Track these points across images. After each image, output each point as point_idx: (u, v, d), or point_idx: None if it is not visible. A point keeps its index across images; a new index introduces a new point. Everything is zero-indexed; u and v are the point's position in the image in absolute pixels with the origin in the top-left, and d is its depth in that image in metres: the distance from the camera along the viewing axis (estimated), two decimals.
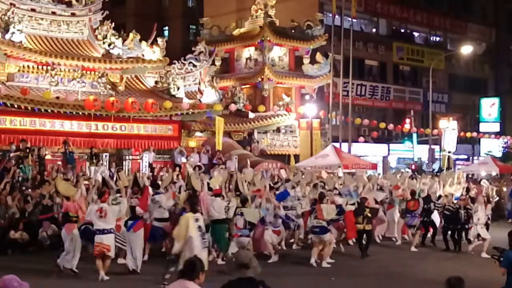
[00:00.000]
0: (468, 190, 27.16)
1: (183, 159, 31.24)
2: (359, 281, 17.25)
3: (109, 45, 33.26)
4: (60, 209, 19.64)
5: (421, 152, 52.77)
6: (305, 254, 19.61)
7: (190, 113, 33.37)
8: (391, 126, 44.92)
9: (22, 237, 20.40)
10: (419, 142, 53.24)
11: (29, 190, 22.64)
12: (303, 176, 26.97)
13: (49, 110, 29.28)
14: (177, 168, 28.69)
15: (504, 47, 71.79)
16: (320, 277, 17.26)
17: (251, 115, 39.54)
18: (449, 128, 47.12)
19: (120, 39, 33.93)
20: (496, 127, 64.09)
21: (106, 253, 15.93)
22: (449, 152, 45.83)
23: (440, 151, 48.32)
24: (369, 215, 20.92)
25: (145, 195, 18.17)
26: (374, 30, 60.91)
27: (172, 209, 19.17)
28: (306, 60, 44.52)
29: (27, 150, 26.32)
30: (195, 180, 19.63)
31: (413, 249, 22.22)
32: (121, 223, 17.22)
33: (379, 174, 35.80)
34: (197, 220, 14.45)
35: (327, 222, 18.88)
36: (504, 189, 35.24)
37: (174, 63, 36.37)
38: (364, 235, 20.95)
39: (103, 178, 21.02)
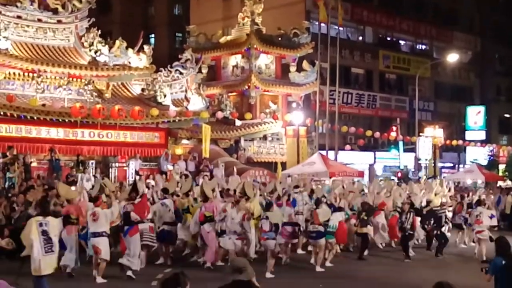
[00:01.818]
0: (462, 197, 27.35)
1: (170, 167, 31.22)
2: (350, 284, 17.55)
3: (96, 52, 33.18)
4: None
5: (407, 160, 52.87)
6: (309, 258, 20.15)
7: (176, 120, 33.33)
8: (377, 134, 44.99)
9: (8, 244, 20.22)
10: (405, 150, 53.31)
11: (15, 197, 22.51)
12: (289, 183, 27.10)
13: (35, 117, 29.19)
14: (164, 176, 28.71)
15: (490, 55, 72.20)
16: (313, 280, 17.56)
17: (238, 122, 39.56)
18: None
19: (107, 46, 33.86)
20: (481, 135, 64.34)
21: (98, 255, 16.40)
22: (426, 160, 45.94)
23: (419, 160, 48.53)
24: (365, 218, 21.50)
25: (143, 201, 18.35)
26: (360, 38, 61.09)
27: None
28: (292, 68, 44.64)
29: (13, 157, 26.21)
30: (207, 188, 20.25)
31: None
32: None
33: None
34: (41, 224, 13.94)
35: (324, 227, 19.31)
36: (492, 197, 35.28)
37: (161, 71, 36.31)
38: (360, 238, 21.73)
39: (134, 182, 21.36)
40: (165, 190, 20.83)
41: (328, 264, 19.68)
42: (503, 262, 9.87)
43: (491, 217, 23.06)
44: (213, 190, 20.77)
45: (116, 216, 17.38)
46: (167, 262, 19.24)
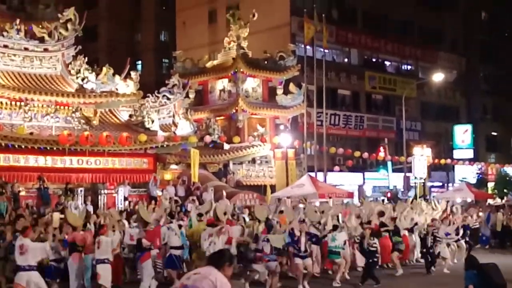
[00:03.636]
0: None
1: (159, 192, 31.17)
2: None
3: (83, 79, 33.23)
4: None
5: (396, 180, 52.99)
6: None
7: (165, 145, 33.32)
8: (365, 155, 45.12)
9: None
10: (394, 170, 53.47)
11: (4, 227, 22.37)
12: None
13: (23, 146, 29.10)
14: (153, 201, 28.67)
15: (475, 75, 72.64)
16: None
17: (226, 146, 39.59)
18: (417, 155, 47.41)
19: (94, 73, 33.92)
20: (469, 154, 64.59)
21: (98, 281, 16.95)
22: (420, 178, 46.06)
23: (414, 179, 48.59)
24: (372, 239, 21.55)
25: (156, 229, 18.91)
26: (346, 60, 61.33)
27: None
28: (279, 91, 44.83)
29: (1, 187, 26.14)
30: (220, 211, 20.80)
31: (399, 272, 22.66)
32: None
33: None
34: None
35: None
36: (481, 214, 35.41)
37: (148, 96, 36.38)
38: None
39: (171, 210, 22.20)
40: (171, 215, 21.49)
41: (335, 284, 20.06)
42: (474, 272, 11.89)
43: (446, 234, 24.13)
44: (225, 213, 21.32)
45: (116, 245, 17.92)
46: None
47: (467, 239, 27.20)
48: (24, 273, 15.32)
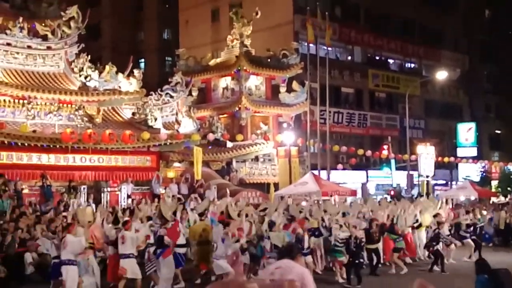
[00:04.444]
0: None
1: (162, 190, 31.15)
2: None
3: (86, 77, 33.24)
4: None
5: (399, 178, 52.88)
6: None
7: (168, 143, 33.34)
8: (369, 153, 45.09)
9: (0, 272, 20.14)
10: (397, 168, 53.38)
11: (6, 224, 22.41)
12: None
13: (26, 144, 29.12)
14: (156, 199, 28.64)
15: (478, 73, 72.51)
16: None
17: (229, 144, 39.57)
18: (423, 153, 47.34)
19: (97, 71, 33.93)
20: (473, 152, 64.47)
21: (124, 275, 17.09)
22: (427, 176, 45.99)
23: (418, 177, 48.55)
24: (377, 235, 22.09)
25: (175, 226, 19.17)
26: (349, 58, 61.26)
27: None
28: (282, 89, 44.74)
29: (4, 184, 26.14)
30: (232, 210, 20.98)
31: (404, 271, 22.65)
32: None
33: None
34: None
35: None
36: (484, 212, 35.36)
37: (151, 94, 36.31)
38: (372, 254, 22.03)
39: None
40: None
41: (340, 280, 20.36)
42: (486, 276, 11.43)
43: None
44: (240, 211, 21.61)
45: (141, 241, 18.07)
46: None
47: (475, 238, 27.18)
48: (64, 267, 16.29)
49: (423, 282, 6.64)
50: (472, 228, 27.29)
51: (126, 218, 19.31)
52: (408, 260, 24.78)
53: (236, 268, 18.37)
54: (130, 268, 17.14)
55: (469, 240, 26.55)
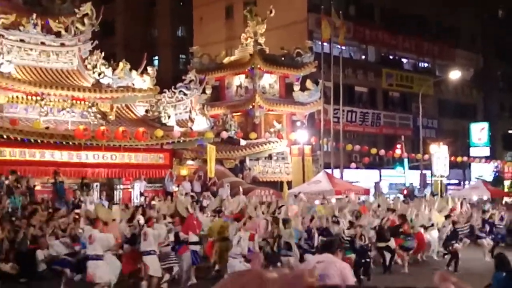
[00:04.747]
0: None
1: (175, 188, 31.08)
2: None
3: (99, 74, 33.20)
4: None
5: (412, 177, 52.63)
6: None
7: (181, 141, 33.29)
8: (382, 152, 44.89)
9: (12, 269, 20.10)
10: (410, 168, 53.15)
11: (19, 221, 22.38)
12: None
13: (39, 141, 29.14)
14: (169, 197, 28.57)
15: (492, 72, 72.04)
16: None
17: (243, 142, 39.47)
18: (437, 153, 47.12)
19: (110, 68, 33.88)
20: (486, 152, 64.13)
21: (146, 271, 17.20)
22: (441, 176, 45.76)
23: (431, 176, 48.33)
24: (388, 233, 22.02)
25: (188, 221, 19.29)
26: (363, 57, 61.04)
27: None
28: (296, 87, 44.61)
29: (17, 181, 26.11)
30: (251, 208, 21.11)
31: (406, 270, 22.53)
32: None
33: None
34: None
35: None
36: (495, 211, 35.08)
37: (165, 92, 36.26)
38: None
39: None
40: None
41: None
42: (504, 274, 11.19)
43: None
44: (256, 208, 21.77)
45: (163, 238, 17.95)
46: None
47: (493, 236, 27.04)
48: (92, 262, 16.22)
49: (444, 274, 6.50)
50: (489, 228, 27.12)
51: (150, 215, 19.33)
52: (422, 257, 25.00)
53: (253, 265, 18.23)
54: (152, 265, 17.19)
55: (483, 240, 26.33)
